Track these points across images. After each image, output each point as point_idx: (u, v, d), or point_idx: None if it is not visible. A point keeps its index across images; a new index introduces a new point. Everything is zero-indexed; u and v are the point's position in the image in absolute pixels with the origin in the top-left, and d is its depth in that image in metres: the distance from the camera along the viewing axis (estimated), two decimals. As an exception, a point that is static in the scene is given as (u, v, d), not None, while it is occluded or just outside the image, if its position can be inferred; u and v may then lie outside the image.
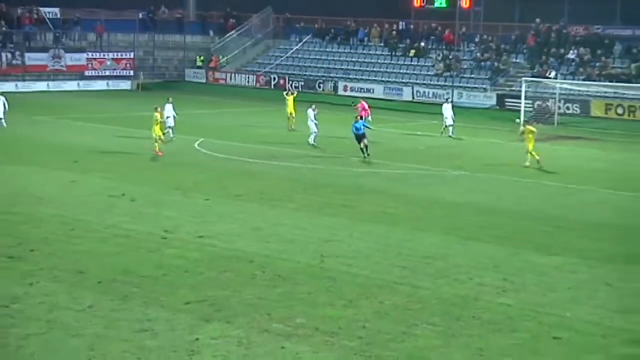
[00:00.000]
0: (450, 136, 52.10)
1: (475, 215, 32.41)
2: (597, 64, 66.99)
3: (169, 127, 47.69)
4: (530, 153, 42.16)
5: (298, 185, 37.25)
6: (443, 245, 27.87)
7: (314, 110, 47.63)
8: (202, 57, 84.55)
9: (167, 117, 47.54)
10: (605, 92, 62.33)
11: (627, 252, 27.61)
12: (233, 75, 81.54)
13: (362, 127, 43.41)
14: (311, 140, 46.71)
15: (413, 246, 27.59)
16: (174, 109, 48.62)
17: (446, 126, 52.49)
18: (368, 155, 42.96)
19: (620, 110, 61.64)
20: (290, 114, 53.73)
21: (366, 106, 52.02)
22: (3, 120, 52.19)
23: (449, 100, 57.09)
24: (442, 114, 53.39)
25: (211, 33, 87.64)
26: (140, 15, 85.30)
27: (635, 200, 35.92)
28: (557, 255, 27.09)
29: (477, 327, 20.86)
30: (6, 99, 53.10)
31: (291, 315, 21.28)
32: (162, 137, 43.55)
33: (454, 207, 33.73)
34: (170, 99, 49.23)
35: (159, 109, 44.28)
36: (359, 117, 45.27)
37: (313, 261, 25.89)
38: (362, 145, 43.09)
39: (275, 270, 24.94)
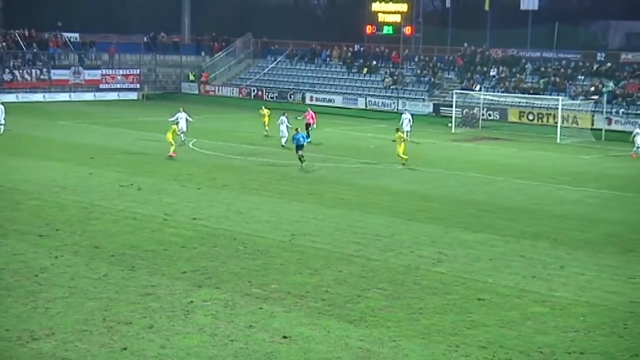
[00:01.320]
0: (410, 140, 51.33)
1: (415, 200, 32.45)
2: (513, 80, 67.27)
3: (183, 131, 45.95)
4: (400, 155, 40.15)
5: (272, 177, 37.14)
6: (389, 225, 27.88)
7: (287, 118, 46.88)
8: (194, 73, 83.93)
9: (179, 122, 45.36)
10: (520, 102, 62.53)
11: (536, 230, 27.77)
12: (221, 87, 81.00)
13: (302, 138, 39.73)
14: (283, 142, 46.15)
15: (365, 226, 27.59)
16: (188, 116, 46.95)
17: (406, 131, 51.76)
18: (304, 161, 39.43)
19: (531, 117, 61.89)
20: (265, 123, 51.42)
21: (313, 114, 49.90)
22: (2, 126, 48.86)
23: (407, 111, 56.05)
24: (400, 122, 52.73)
25: (203, 54, 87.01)
26: (145, 39, 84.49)
27: (541, 188, 36.10)
28: (480, 233, 27.19)
29: (417, 290, 20.91)
30: (4, 107, 49.89)
31: (268, 282, 21.24)
32: (173, 142, 41.68)
33: (398, 195, 33.76)
34: (182, 108, 47.50)
35: (176, 122, 43.85)
36: (299, 129, 41.83)
37: (285, 238, 25.84)
38: (299, 154, 39.07)
39: (255, 245, 24.86)
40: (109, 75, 78.10)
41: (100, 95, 76.31)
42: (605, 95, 58.69)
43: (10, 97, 67.65)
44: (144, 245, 24.53)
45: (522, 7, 69.43)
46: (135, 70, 79.96)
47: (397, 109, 67.45)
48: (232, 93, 79.29)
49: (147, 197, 31.64)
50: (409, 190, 34.81)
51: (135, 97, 77.98)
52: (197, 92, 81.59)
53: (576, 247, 25.55)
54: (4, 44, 74.84)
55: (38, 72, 74.68)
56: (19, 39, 76.17)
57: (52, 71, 75.30)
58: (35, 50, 76.30)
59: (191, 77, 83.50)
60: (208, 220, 28.12)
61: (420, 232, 26.72)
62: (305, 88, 75.91)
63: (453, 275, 22.22)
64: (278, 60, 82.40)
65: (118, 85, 78.20)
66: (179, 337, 17.39)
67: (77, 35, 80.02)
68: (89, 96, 75.57)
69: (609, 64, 64.62)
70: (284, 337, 17.46)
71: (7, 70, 73.33)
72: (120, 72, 79.00)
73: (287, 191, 33.79)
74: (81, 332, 17.44)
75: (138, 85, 79.09)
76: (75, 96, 75.02)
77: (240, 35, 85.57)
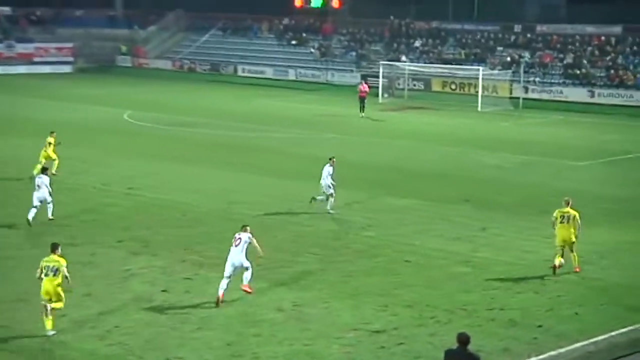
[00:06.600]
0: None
1: (344, 169, 32.55)
2: (436, 51, 67.77)
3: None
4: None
5: (206, 147, 36.89)
6: (321, 192, 27.97)
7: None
8: (126, 46, 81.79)
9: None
10: (442, 73, 62.97)
11: (458, 194, 28.20)
12: (154, 60, 79.72)
13: None
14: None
15: (298, 193, 27.60)
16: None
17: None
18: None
19: (453, 86, 62.40)
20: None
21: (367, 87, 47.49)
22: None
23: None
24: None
25: (136, 27, 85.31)
26: (78, 13, 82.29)
27: (463, 154, 36.60)
28: (406, 198, 27.51)
29: (347, 254, 21.12)
30: None
31: (204, 249, 21.19)
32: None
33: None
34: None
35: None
36: None
37: (220, 207, 25.78)
38: None
39: (191, 214, 24.77)
40: (42, 48, 75.95)
41: (34, 69, 73.98)
42: (522, 65, 59.53)
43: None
44: (80, 215, 24.20)
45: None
46: (70, 44, 77.93)
47: (327, 80, 67.43)
48: (166, 66, 78.12)
49: (82, 167, 31.12)
50: (339, 159, 34.87)
51: (70, 70, 76.16)
52: (130, 64, 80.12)
53: (496, 210, 26.07)
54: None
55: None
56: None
57: (-15, 44, 72.62)
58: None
59: (123, 50, 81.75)
60: (144, 190, 27.83)
61: (350, 199, 26.87)
62: (237, 60, 75.24)
63: (381, 239, 22.49)
64: (210, 33, 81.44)
65: (52, 59, 76.12)
66: (117, 303, 17.27)
67: (9, 9, 77.59)
68: (21, 69, 73.16)
69: (528, 35, 65.44)
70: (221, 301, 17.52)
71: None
72: (54, 45, 76.96)
73: (221, 161, 33.60)
74: (18, 301, 17.19)
75: (72, 59, 77.22)
76: (8, 69, 72.37)
77: (172, 9, 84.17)
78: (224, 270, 17.54)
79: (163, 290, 18.13)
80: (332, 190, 24.97)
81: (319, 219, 24.44)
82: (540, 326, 16.45)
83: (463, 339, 11.55)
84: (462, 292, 18.38)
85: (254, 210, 25.27)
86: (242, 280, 17.70)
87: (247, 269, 17.69)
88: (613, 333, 16.08)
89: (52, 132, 29.74)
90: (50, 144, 29.18)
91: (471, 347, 11.61)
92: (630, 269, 20.43)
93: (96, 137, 38.59)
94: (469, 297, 18.04)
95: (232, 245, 17.73)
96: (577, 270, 19.76)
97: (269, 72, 71.68)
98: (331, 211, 25.06)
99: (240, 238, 17.67)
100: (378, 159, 35.06)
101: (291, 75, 70.64)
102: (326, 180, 24.97)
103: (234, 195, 27.42)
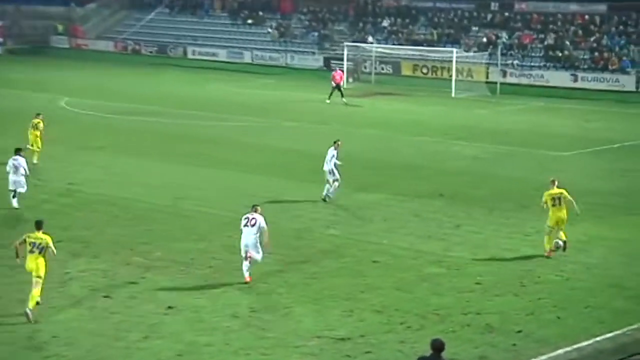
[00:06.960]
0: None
1: (305, 160, 32.66)
2: (405, 31, 68.09)
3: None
4: None
5: (152, 137, 36.77)
6: (279, 186, 28.08)
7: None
8: (61, 25, 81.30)
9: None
10: (413, 55, 63.30)
11: (431, 188, 28.40)
12: (94, 41, 79.14)
13: None
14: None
15: (254, 187, 27.64)
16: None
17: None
18: None
19: (425, 70, 62.77)
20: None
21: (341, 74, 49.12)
22: None
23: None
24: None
25: (72, 4, 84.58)
26: None
27: (436, 144, 36.88)
28: (374, 193, 27.68)
29: (310, 254, 21.22)
30: None
31: (150, 250, 21.19)
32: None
33: (286, 154, 33.92)
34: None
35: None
36: None
37: (168, 202, 25.76)
38: None
39: (136, 211, 24.77)
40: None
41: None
42: (499, 47, 60.05)
43: None
44: (15, 213, 24.03)
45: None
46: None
47: (286, 63, 67.42)
48: (107, 47, 77.58)
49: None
50: (298, 149, 35.04)
51: (-1, 52, 75.43)
52: (67, 45, 79.47)
53: (472, 205, 26.31)
54: None
55: None
56: None
57: None
58: None
59: (59, 29, 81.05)
60: (84, 185, 27.74)
61: (312, 194, 26.95)
62: (187, 41, 74.96)
63: (347, 238, 22.62)
64: (156, 11, 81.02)
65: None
66: (55, 310, 17.26)
67: None
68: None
69: (505, 14, 65.98)
70: (169, 307, 17.54)
71: None
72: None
73: (168, 152, 33.56)
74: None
75: (1, 39, 76.38)
76: None
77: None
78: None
79: (105, 296, 18.11)
80: (337, 176, 26.17)
81: (279, 216, 24.47)
82: (519, 331, 16.67)
83: (437, 346, 11.69)
84: (434, 295, 18.55)
85: (206, 207, 25.32)
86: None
87: (255, 260, 18.82)
88: (598, 338, 16.35)
89: (38, 114, 31.35)
90: (36, 126, 30.84)
91: (445, 355, 11.73)
92: (617, 268, 20.74)
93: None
94: (442, 301, 18.21)
95: (244, 225, 18.76)
96: (565, 245, 20.92)
97: (222, 55, 71.59)
98: (330, 196, 26.18)
99: (255, 219, 18.83)
100: (344, 149, 35.05)
101: (247, 57, 70.59)
102: (330, 164, 26.22)
103: (184, 190, 27.43)
